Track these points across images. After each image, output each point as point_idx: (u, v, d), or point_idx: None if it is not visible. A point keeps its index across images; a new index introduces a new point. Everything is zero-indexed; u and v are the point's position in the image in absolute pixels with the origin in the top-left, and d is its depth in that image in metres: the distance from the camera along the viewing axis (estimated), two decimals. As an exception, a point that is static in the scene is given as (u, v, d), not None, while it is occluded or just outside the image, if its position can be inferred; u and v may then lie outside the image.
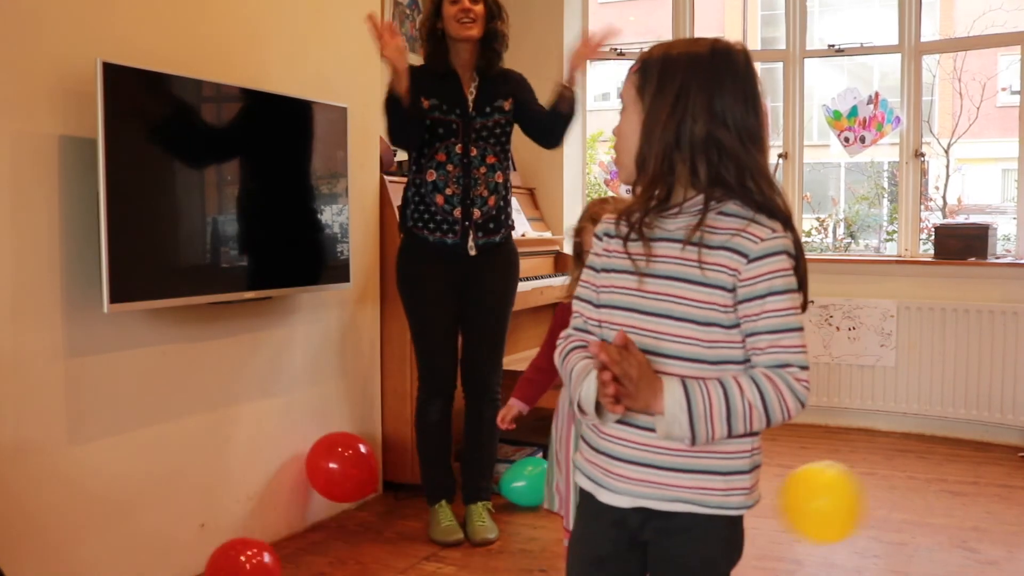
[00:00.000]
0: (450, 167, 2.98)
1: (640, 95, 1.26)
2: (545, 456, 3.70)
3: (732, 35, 14.77)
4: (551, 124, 3.07)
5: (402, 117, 2.87)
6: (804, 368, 1.20)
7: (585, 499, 1.34)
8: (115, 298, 2.31)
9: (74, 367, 2.37)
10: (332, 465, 3.04)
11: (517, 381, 2.45)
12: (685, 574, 1.28)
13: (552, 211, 4.84)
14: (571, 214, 4.90)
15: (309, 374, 3.20)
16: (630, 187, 1.29)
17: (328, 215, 3.09)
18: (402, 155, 3.92)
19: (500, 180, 3.07)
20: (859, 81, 11.09)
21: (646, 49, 1.30)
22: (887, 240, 5.68)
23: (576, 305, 1.36)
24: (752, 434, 1.25)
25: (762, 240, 1.20)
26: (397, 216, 3.50)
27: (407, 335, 3.50)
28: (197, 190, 2.61)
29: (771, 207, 1.23)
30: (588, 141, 5.20)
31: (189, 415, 2.72)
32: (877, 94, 4.69)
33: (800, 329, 1.22)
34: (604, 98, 12.11)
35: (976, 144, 11.61)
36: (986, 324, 4.28)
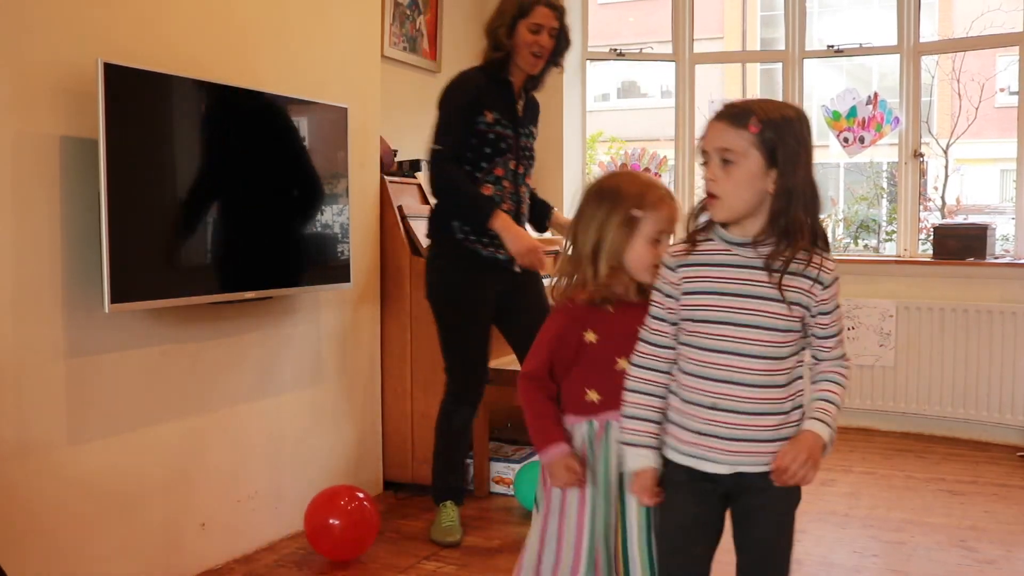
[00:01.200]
0: (506, 183, 2.97)
1: (761, 150, 1.55)
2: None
3: (731, 35, 14.82)
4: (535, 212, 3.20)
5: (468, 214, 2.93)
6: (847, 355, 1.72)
7: (677, 471, 1.66)
8: (116, 298, 2.32)
9: (75, 367, 2.37)
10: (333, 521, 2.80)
11: (532, 425, 1.86)
12: (773, 516, 1.66)
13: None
14: (571, 214, 4.89)
15: (309, 374, 3.21)
16: (721, 220, 1.62)
17: (328, 215, 3.10)
18: (402, 155, 3.93)
19: (529, 202, 3.12)
20: (858, 82, 11.10)
21: (745, 102, 1.62)
22: (886, 240, 5.68)
23: (655, 324, 1.69)
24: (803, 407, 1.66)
25: (831, 271, 1.63)
26: (398, 216, 3.51)
27: (407, 335, 3.52)
28: (197, 190, 2.61)
29: (827, 244, 1.64)
30: (588, 142, 5.20)
31: (189, 415, 2.72)
32: (876, 95, 4.70)
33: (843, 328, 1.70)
34: (604, 98, 12.11)
35: (975, 144, 11.61)
36: (985, 324, 4.29)
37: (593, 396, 1.79)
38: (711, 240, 1.64)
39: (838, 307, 1.66)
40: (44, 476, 2.31)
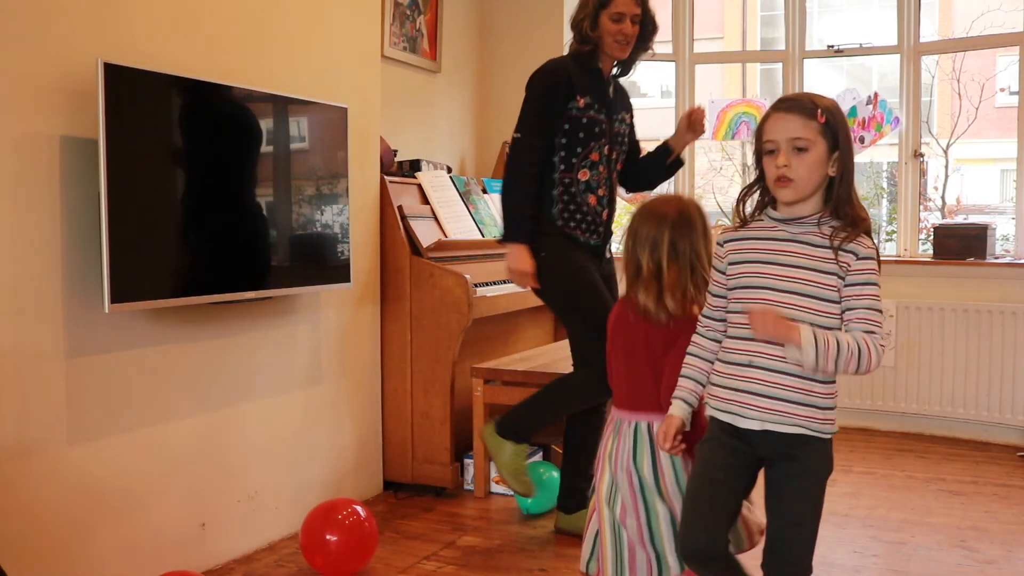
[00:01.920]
0: (601, 168, 2.95)
1: (827, 137, 1.74)
2: (546, 457, 3.70)
3: (732, 35, 14.80)
4: (652, 172, 3.14)
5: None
6: (881, 337, 1.73)
7: (716, 427, 1.83)
8: (116, 298, 2.32)
9: (75, 367, 2.37)
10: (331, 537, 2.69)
11: (668, 388, 1.97)
12: (804, 485, 1.77)
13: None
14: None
15: (309, 374, 3.21)
16: (790, 201, 1.78)
17: (328, 215, 3.10)
18: (402, 155, 3.94)
19: (605, 194, 3.01)
20: (858, 82, 11.10)
21: (796, 93, 1.92)
22: (886, 240, 5.68)
23: (712, 300, 1.91)
24: (832, 382, 1.77)
25: (867, 247, 1.74)
26: (398, 216, 3.51)
27: (407, 335, 3.52)
28: (197, 190, 2.61)
29: (868, 224, 1.78)
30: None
31: (189, 415, 2.72)
32: (876, 95, 4.69)
33: (881, 311, 1.75)
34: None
35: (975, 144, 11.61)
36: (985, 324, 4.29)
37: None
38: (760, 220, 1.84)
39: (871, 284, 1.74)
40: (44, 476, 2.31)
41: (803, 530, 1.79)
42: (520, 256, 2.84)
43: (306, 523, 2.73)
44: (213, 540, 2.81)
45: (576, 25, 2.95)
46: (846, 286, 1.74)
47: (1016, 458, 4.08)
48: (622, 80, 3.09)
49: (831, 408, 1.78)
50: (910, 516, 3.31)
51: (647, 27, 2.96)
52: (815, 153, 1.75)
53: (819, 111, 1.74)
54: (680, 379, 1.93)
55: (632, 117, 3.10)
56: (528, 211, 2.86)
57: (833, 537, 3.07)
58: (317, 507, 2.77)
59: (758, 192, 1.85)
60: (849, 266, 1.73)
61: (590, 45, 2.92)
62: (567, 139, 2.90)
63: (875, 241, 1.79)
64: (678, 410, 1.92)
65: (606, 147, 2.95)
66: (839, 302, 1.74)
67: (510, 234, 2.87)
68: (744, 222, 1.85)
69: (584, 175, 2.92)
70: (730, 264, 1.84)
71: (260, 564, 2.86)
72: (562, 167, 2.91)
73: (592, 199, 2.93)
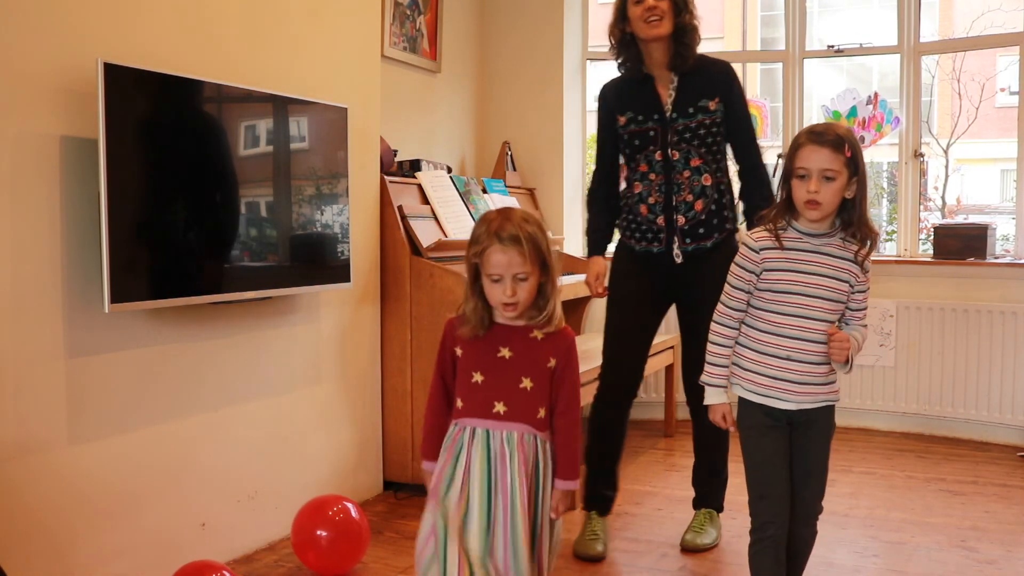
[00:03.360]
0: (652, 176, 2.91)
1: (848, 167, 2.05)
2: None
3: (732, 35, 14.80)
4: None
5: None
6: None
7: (753, 411, 2.17)
8: (116, 298, 2.32)
9: (75, 367, 2.37)
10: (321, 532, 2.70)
11: (424, 435, 2.07)
12: (822, 438, 2.20)
13: (552, 211, 4.85)
14: (572, 214, 4.91)
15: (309, 374, 3.21)
16: (816, 220, 2.09)
17: (328, 215, 3.10)
18: (402, 155, 3.94)
19: (709, 183, 2.89)
20: (858, 82, 11.10)
21: (825, 126, 2.12)
22: (886, 240, 5.68)
23: (735, 292, 2.18)
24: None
25: (871, 261, 2.14)
26: (398, 216, 3.52)
27: (407, 335, 3.52)
28: (197, 190, 2.61)
29: (877, 237, 2.14)
30: (588, 141, 5.20)
31: (189, 415, 2.73)
32: (876, 95, 4.70)
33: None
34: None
35: (975, 144, 11.62)
36: (985, 324, 4.29)
37: (459, 403, 2.01)
38: (787, 230, 2.13)
39: (868, 289, 2.17)
40: (44, 476, 2.31)
41: (825, 472, 2.23)
42: (588, 267, 3.05)
43: (297, 520, 2.74)
44: (213, 540, 2.81)
45: (613, 32, 2.91)
46: (854, 292, 2.13)
47: (1016, 458, 4.08)
48: (714, 67, 2.94)
49: (836, 382, 2.20)
50: (910, 516, 3.31)
51: (677, 1, 2.84)
52: (840, 181, 2.06)
53: (846, 145, 2.05)
54: (713, 368, 2.22)
55: (720, 102, 2.90)
56: (596, 227, 3.11)
57: (833, 537, 3.07)
58: (307, 503, 2.78)
59: (782, 209, 2.15)
60: (858, 277, 2.12)
61: (631, 51, 2.90)
62: (625, 157, 3.02)
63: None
64: (725, 398, 2.23)
65: (657, 153, 2.90)
66: (845, 303, 2.13)
67: (588, 250, 3.14)
68: (773, 231, 2.13)
69: (637, 187, 2.95)
70: (765, 271, 2.13)
71: (260, 564, 2.86)
72: (624, 184, 3.05)
73: (643, 208, 2.93)
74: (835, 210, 2.09)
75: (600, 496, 3.04)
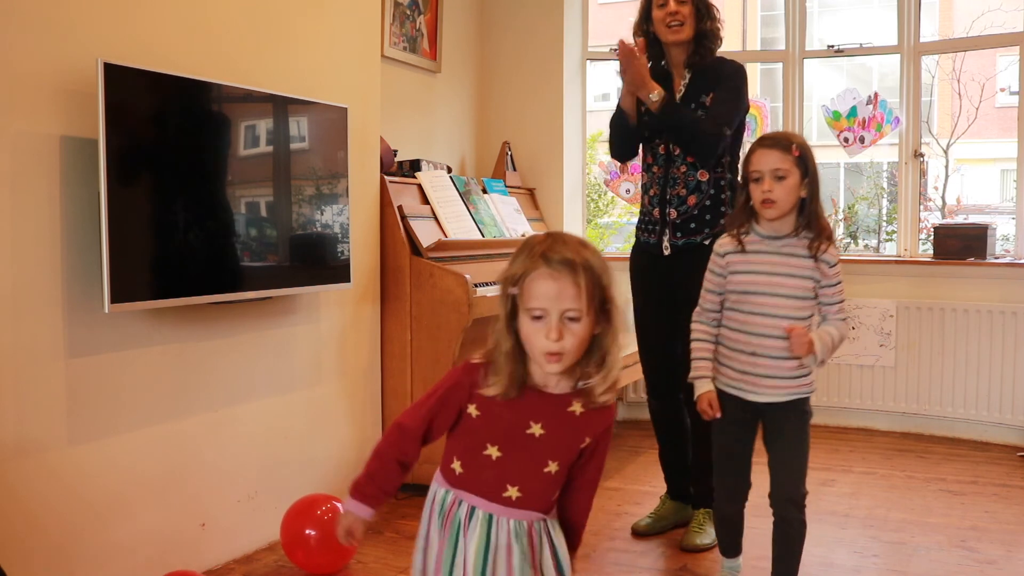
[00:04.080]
0: (655, 168, 3.01)
1: (799, 167, 2.21)
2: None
3: (732, 35, 14.81)
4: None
5: (623, 133, 3.00)
6: (848, 317, 2.53)
7: (726, 401, 2.33)
8: (116, 298, 2.32)
9: (75, 367, 2.37)
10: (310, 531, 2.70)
11: (367, 471, 1.74)
12: (796, 423, 2.32)
13: (552, 211, 4.85)
14: (571, 214, 4.90)
15: (309, 374, 3.21)
16: (773, 219, 2.25)
17: (328, 215, 3.10)
18: (402, 155, 3.93)
19: (705, 178, 2.95)
20: (858, 82, 11.09)
21: (774, 132, 2.43)
22: (886, 240, 5.68)
23: (707, 295, 2.35)
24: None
25: (834, 255, 2.27)
26: (398, 216, 3.52)
27: (407, 335, 3.52)
28: (197, 190, 2.61)
29: (831, 232, 2.29)
30: (588, 141, 5.20)
31: (189, 415, 2.72)
32: (876, 95, 4.69)
33: (845, 299, 2.33)
34: (604, 98, 12.12)
35: (975, 144, 11.61)
36: (985, 324, 4.29)
37: (458, 468, 1.60)
38: (749, 235, 2.29)
39: (840, 283, 2.28)
40: (44, 476, 2.31)
41: (802, 456, 2.33)
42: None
43: (285, 519, 2.75)
44: (213, 540, 2.81)
45: (637, 31, 3.02)
46: (822, 287, 2.26)
47: (1016, 458, 4.08)
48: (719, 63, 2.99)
49: (809, 376, 2.32)
50: (910, 516, 3.31)
51: (699, 6, 2.93)
52: (792, 180, 2.21)
53: (793, 146, 2.22)
54: (698, 362, 2.36)
55: (712, 97, 2.95)
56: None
57: (833, 537, 3.07)
58: (296, 503, 2.79)
59: (744, 216, 2.30)
60: (824, 273, 2.26)
61: (653, 49, 3.00)
62: (642, 148, 3.10)
63: (837, 246, 2.41)
64: (712, 386, 2.34)
65: (660, 146, 3.00)
66: (813, 299, 2.27)
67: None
68: (736, 237, 2.30)
69: (644, 178, 3.09)
70: (731, 273, 2.30)
71: (260, 564, 2.86)
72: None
73: (646, 200, 3.07)
74: (792, 209, 2.23)
75: (678, 487, 3.20)
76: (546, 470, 1.55)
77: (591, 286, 1.45)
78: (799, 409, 2.32)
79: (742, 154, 2.51)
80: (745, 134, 3.14)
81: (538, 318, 1.45)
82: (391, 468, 1.65)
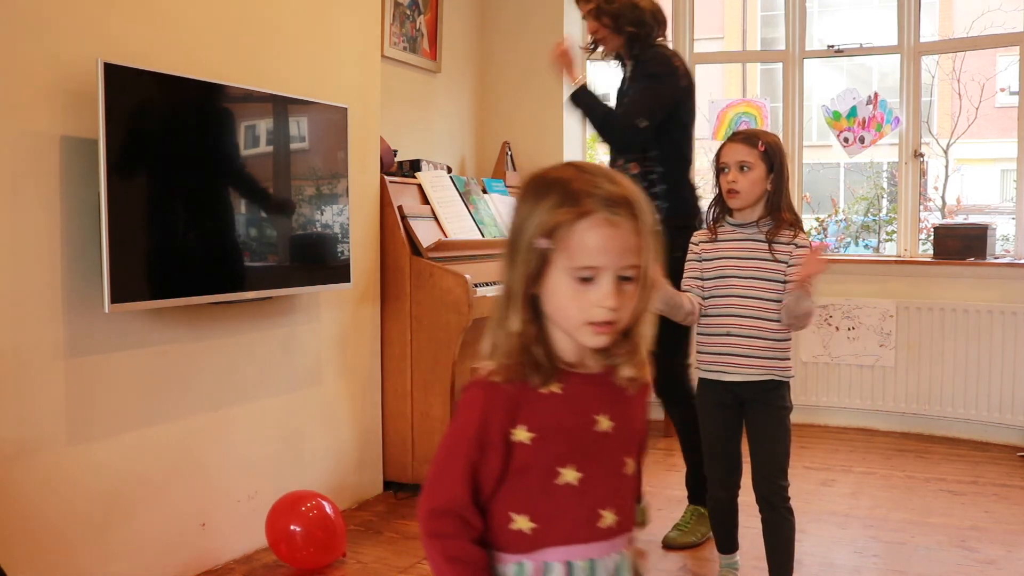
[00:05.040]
0: (605, 162, 3.15)
1: (764, 161, 2.36)
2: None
3: (732, 35, 14.80)
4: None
5: (592, 106, 3.05)
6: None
7: (708, 388, 2.45)
8: (116, 298, 2.32)
9: (74, 367, 2.37)
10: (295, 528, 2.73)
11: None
12: (777, 412, 2.40)
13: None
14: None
15: (309, 374, 3.21)
16: (738, 208, 2.40)
17: (328, 215, 3.10)
18: (402, 155, 3.93)
19: (636, 171, 3.03)
20: (858, 82, 11.09)
21: (747, 131, 2.59)
22: (886, 240, 5.68)
23: (688, 279, 2.46)
24: (788, 339, 2.40)
25: (803, 240, 2.38)
26: (398, 216, 3.52)
27: (407, 335, 3.52)
28: (197, 190, 2.61)
29: (799, 222, 2.43)
30: (588, 142, 5.20)
31: (189, 415, 2.72)
32: (876, 95, 4.69)
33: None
34: (603, 99, 12.11)
35: (975, 144, 11.62)
36: (985, 324, 4.29)
37: (523, 524, 1.17)
38: (723, 225, 2.45)
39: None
40: (44, 476, 2.31)
41: (781, 445, 2.41)
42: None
43: (270, 515, 2.77)
44: (213, 540, 2.81)
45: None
46: (789, 266, 2.35)
47: (1016, 458, 4.08)
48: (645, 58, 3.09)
49: (788, 359, 2.41)
50: (910, 516, 3.31)
51: (603, 17, 3.03)
52: (756, 172, 2.36)
53: (759, 142, 2.38)
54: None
55: (629, 85, 3.12)
56: None
57: (833, 537, 3.07)
58: (280, 499, 2.81)
59: (717, 206, 2.46)
60: (791, 254, 2.35)
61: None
62: None
63: (808, 235, 2.48)
64: (674, 290, 2.37)
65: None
66: (783, 282, 2.35)
67: None
68: (712, 229, 2.46)
69: None
70: (703, 260, 2.45)
71: (260, 564, 2.86)
72: None
73: None
74: (757, 200, 2.39)
75: (692, 486, 3.13)
76: (624, 471, 1.21)
77: (650, 233, 1.13)
78: (775, 396, 2.39)
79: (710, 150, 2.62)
80: (694, 129, 3.18)
81: (586, 280, 1.11)
82: (476, 565, 1.16)
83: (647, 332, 1.19)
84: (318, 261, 3.07)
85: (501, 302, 1.16)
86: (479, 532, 1.17)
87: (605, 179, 1.13)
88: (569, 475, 1.16)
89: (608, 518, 1.18)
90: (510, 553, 1.17)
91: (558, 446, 1.16)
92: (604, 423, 1.18)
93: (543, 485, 1.16)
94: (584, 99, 3.05)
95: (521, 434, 1.15)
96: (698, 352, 2.47)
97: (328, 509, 2.78)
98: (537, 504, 1.16)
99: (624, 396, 1.21)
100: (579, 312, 1.12)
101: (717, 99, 5.33)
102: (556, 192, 1.12)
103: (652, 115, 2.97)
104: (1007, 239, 5.05)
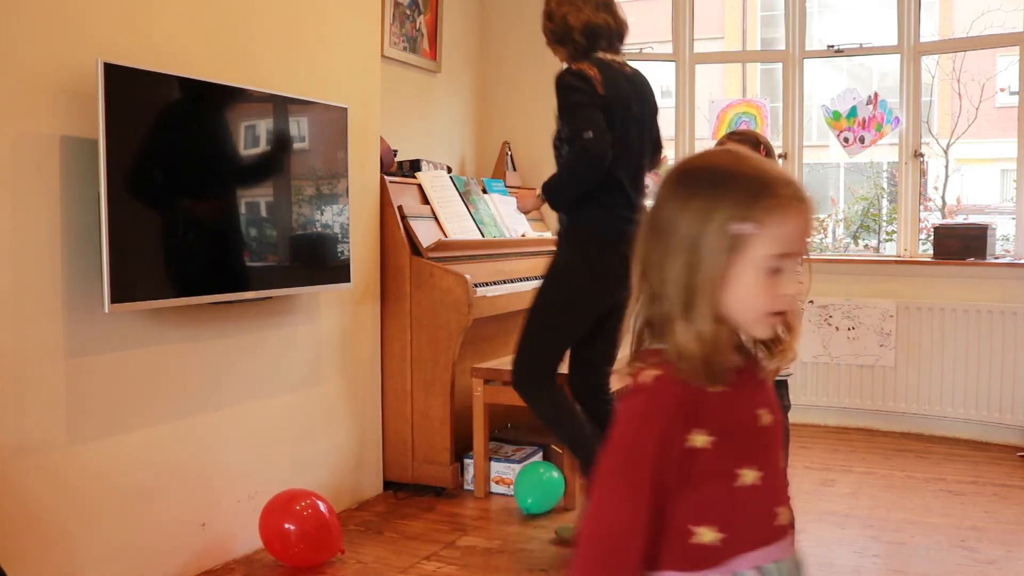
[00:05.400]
0: None
1: None
2: (546, 457, 3.71)
3: (732, 35, 14.80)
4: None
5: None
6: None
7: None
8: (116, 298, 2.32)
9: (75, 367, 2.37)
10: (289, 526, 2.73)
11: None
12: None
13: (552, 211, 4.83)
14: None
15: (309, 374, 3.21)
16: None
17: (328, 215, 3.10)
18: (402, 155, 3.93)
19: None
20: (858, 82, 11.09)
21: (745, 131, 2.77)
22: (886, 240, 5.68)
23: None
24: None
25: None
26: (398, 216, 3.52)
27: (407, 335, 3.53)
28: (197, 190, 2.61)
29: None
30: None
31: (189, 415, 2.72)
32: (876, 95, 4.69)
33: None
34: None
35: (975, 144, 11.61)
36: (985, 324, 4.29)
37: (708, 536, 1.08)
38: None
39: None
40: (44, 476, 2.31)
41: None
42: None
43: (263, 513, 2.77)
44: (213, 540, 2.81)
45: None
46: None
47: (1016, 458, 4.08)
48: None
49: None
50: (910, 516, 3.31)
51: (546, 32, 3.17)
52: None
53: (760, 145, 2.46)
54: None
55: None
56: None
57: (833, 537, 3.07)
58: (274, 497, 2.80)
59: None
60: None
61: None
62: None
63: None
64: None
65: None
66: None
67: None
68: None
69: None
70: None
71: (260, 564, 2.86)
72: None
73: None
74: None
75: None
76: (781, 464, 1.16)
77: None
78: (782, 391, 2.43)
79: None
80: (628, 142, 2.93)
81: (776, 271, 1.06)
82: None
83: (799, 321, 1.13)
84: (318, 261, 3.07)
85: (674, 304, 1.07)
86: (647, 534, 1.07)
87: (767, 162, 1.10)
88: (749, 476, 1.09)
89: (783, 516, 1.14)
90: (693, 571, 1.08)
91: (736, 446, 1.09)
92: (766, 417, 1.12)
93: (725, 490, 1.08)
94: (548, 189, 2.98)
95: (699, 439, 1.06)
96: None
97: (322, 507, 2.78)
98: (722, 511, 1.08)
99: (768, 387, 1.16)
100: (766, 302, 1.06)
101: (717, 99, 5.33)
102: (740, 181, 1.06)
103: (588, 123, 2.74)
104: (1007, 239, 5.05)
